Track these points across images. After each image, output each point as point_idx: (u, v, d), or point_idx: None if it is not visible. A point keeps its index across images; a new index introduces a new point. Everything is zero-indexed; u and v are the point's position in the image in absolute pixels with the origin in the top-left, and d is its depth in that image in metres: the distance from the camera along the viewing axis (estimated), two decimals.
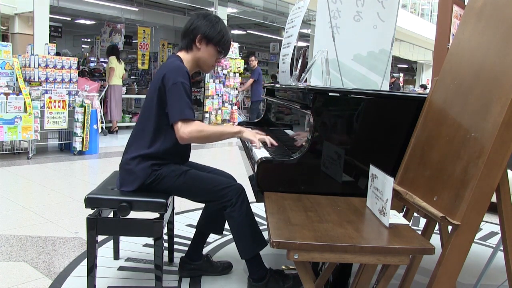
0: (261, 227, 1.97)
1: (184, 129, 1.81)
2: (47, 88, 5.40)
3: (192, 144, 2.04)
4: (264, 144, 1.95)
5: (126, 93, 8.35)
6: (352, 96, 1.71)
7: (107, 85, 7.43)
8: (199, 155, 5.94)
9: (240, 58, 9.15)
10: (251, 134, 1.97)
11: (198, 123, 1.86)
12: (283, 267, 2.18)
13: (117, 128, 7.69)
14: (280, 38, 14.02)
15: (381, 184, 1.38)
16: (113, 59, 7.43)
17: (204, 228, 2.19)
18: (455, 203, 1.27)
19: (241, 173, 4.66)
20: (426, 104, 1.67)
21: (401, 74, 18.71)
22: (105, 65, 10.63)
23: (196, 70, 2.07)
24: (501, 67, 1.29)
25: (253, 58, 8.43)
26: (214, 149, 6.90)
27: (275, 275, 1.98)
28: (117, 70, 7.48)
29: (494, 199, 1.28)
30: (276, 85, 2.65)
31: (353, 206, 1.55)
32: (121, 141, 6.89)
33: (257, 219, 1.99)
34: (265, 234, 1.72)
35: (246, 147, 2.29)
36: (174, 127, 1.84)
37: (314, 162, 1.68)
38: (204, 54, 1.98)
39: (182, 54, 1.99)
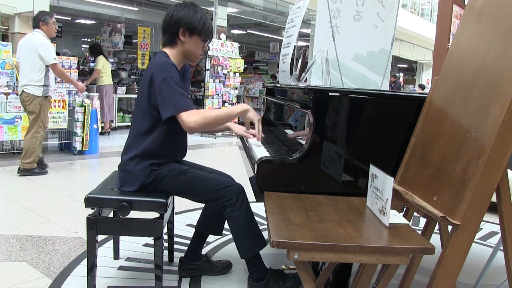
0: (261, 227, 1.97)
1: (189, 119, 1.78)
2: None
3: (189, 143, 2.03)
4: (264, 143, 1.96)
5: (126, 93, 8.34)
6: (352, 96, 1.71)
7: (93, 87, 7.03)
8: (198, 155, 5.94)
9: (240, 57, 9.14)
10: (256, 116, 1.99)
11: (200, 111, 1.85)
12: (283, 266, 2.18)
13: (109, 129, 7.44)
14: (280, 38, 14.03)
15: (381, 183, 1.38)
16: (101, 58, 7.03)
17: (203, 229, 2.19)
18: (455, 203, 1.27)
19: (241, 173, 4.66)
20: (426, 104, 1.67)
21: (401, 74, 18.71)
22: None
23: (184, 62, 2.05)
24: (501, 67, 1.29)
25: None
26: (214, 149, 6.90)
27: (275, 275, 1.98)
28: (107, 68, 7.09)
29: (494, 199, 1.28)
30: (276, 84, 2.65)
31: (353, 206, 1.55)
32: (121, 141, 6.89)
33: (257, 219, 1.99)
34: (265, 234, 1.72)
35: (246, 147, 2.29)
36: (178, 120, 1.81)
37: (314, 162, 1.68)
38: (189, 46, 1.96)
39: (168, 50, 1.97)
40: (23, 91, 4.16)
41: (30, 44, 4.12)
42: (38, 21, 4.17)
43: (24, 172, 4.24)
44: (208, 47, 8.11)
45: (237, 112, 1.97)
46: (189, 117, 1.79)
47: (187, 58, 2.02)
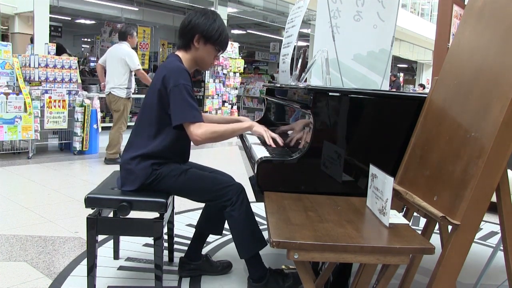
0: (261, 227, 1.97)
1: (196, 132, 1.81)
2: (47, 87, 5.40)
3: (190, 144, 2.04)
4: (266, 143, 1.96)
5: None
6: (352, 96, 1.71)
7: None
8: (199, 155, 5.94)
9: (240, 57, 9.14)
10: (261, 128, 1.99)
11: (208, 125, 1.87)
12: (283, 266, 2.18)
13: None
14: (280, 38, 14.03)
15: (381, 183, 1.38)
16: (64, 56, 6.57)
17: (203, 228, 2.19)
18: (455, 203, 1.27)
19: (241, 173, 4.66)
20: (426, 104, 1.67)
21: (401, 74, 18.73)
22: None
23: (195, 68, 2.07)
24: (501, 67, 1.29)
25: None
26: (214, 149, 6.90)
27: (275, 275, 1.99)
28: None
29: (494, 199, 1.28)
30: (276, 84, 2.65)
31: (353, 206, 1.55)
32: None
33: (257, 219, 1.99)
34: (265, 234, 1.72)
35: (246, 147, 2.29)
36: (185, 130, 1.84)
37: (314, 162, 1.68)
38: (202, 53, 1.97)
39: (180, 54, 1.99)
40: (110, 92, 4.85)
41: (118, 53, 4.82)
42: (126, 34, 4.89)
43: (109, 161, 4.98)
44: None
45: (244, 127, 1.98)
46: (196, 129, 1.82)
47: (198, 65, 2.04)
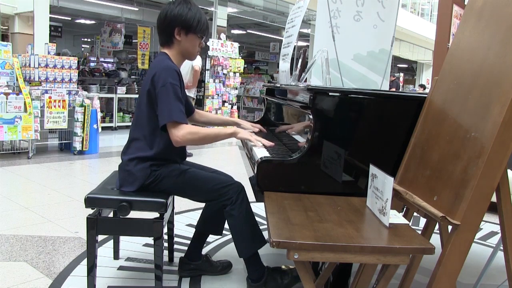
0: (261, 227, 1.97)
1: (177, 133, 1.78)
2: (47, 87, 5.40)
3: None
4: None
5: (126, 93, 8.34)
6: (352, 96, 1.71)
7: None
8: (199, 155, 5.94)
9: (240, 58, 9.14)
10: (247, 134, 1.95)
11: (190, 126, 1.82)
12: (283, 266, 2.18)
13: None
14: (280, 38, 14.02)
15: (381, 183, 1.38)
16: None
17: (203, 228, 2.19)
18: (455, 203, 1.27)
19: (241, 173, 4.66)
20: (426, 104, 1.67)
21: (401, 74, 18.73)
22: (105, 65, 10.62)
23: (183, 61, 2.05)
24: (501, 67, 1.29)
25: None
26: (214, 149, 6.90)
27: (273, 273, 1.99)
28: None
29: (494, 199, 1.28)
30: (276, 84, 2.66)
31: (353, 206, 1.55)
32: (121, 141, 6.89)
33: (257, 219, 1.99)
34: (265, 234, 1.72)
35: (247, 147, 2.29)
36: (167, 130, 1.81)
37: (314, 162, 1.68)
38: (186, 44, 1.95)
39: (166, 50, 1.96)
40: None
41: None
42: None
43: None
44: (208, 46, 8.10)
45: (228, 133, 1.94)
46: (177, 130, 1.78)
47: (185, 57, 2.02)
